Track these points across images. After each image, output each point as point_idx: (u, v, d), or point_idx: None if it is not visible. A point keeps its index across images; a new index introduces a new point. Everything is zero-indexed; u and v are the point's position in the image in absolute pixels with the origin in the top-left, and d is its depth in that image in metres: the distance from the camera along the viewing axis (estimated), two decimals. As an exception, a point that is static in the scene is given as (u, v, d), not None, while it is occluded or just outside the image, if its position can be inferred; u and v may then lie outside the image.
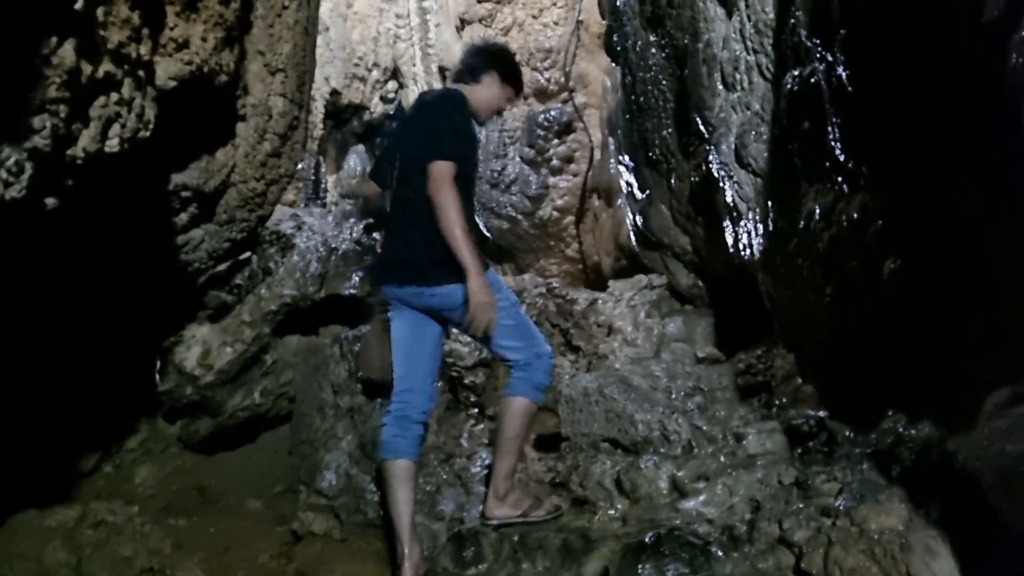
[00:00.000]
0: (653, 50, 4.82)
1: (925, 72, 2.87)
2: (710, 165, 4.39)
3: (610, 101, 7.11)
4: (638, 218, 5.34)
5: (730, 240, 4.50)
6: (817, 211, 3.62)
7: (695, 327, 5.24)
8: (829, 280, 3.67)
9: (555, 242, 8.05)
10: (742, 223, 4.26)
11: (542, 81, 8.11)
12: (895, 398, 3.43)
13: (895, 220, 3.25)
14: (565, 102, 8.03)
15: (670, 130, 4.82)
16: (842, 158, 3.42)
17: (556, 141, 7.87)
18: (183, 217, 3.31)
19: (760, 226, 4.07)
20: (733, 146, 4.06)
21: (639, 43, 4.92)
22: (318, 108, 8.17)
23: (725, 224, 4.49)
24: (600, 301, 5.76)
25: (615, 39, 5.11)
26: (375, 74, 9.10)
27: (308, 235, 4.75)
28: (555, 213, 7.90)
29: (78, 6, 1.94)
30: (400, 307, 3.21)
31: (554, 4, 8.07)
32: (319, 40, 8.40)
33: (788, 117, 3.72)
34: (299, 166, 5.29)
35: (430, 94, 3.45)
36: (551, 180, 7.92)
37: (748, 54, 3.93)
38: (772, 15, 3.78)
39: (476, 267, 2.99)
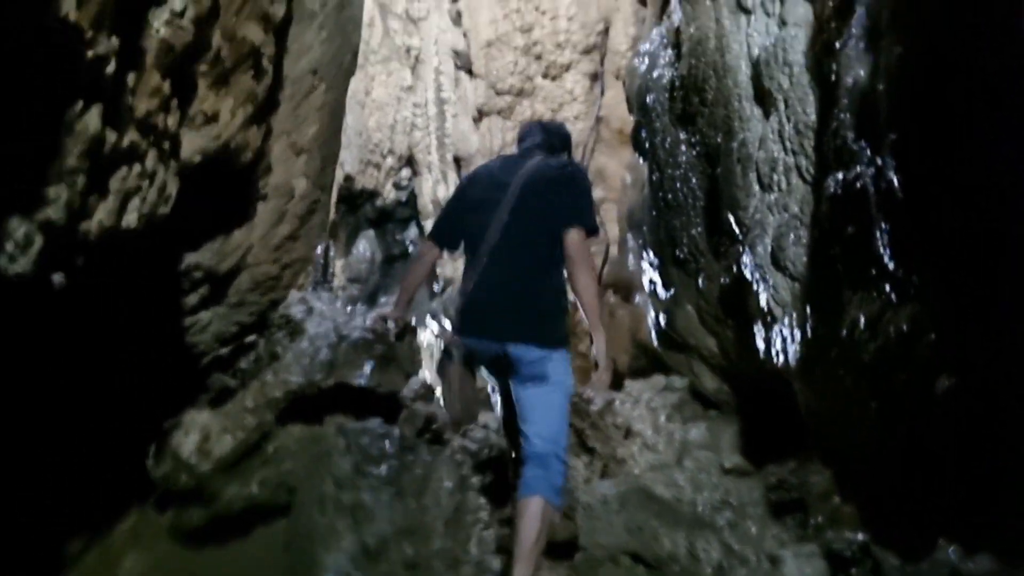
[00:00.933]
0: (683, 147, 4.76)
1: (980, 180, 2.76)
2: (743, 266, 4.25)
3: (630, 196, 7.05)
4: (661, 317, 5.18)
5: (762, 345, 4.32)
6: (862, 320, 3.45)
7: (720, 434, 5.02)
8: (875, 394, 3.47)
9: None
10: (776, 328, 4.09)
11: None
12: (949, 525, 3.19)
13: (949, 333, 3.08)
14: (582, 196, 7.98)
15: (699, 229, 4.71)
16: (891, 265, 3.28)
17: (572, 234, 7.77)
18: (192, 298, 3.15)
19: (797, 332, 3.90)
20: (769, 248, 3.93)
21: (668, 140, 4.86)
22: (332, 192, 8.12)
23: (757, 328, 4.33)
24: (618, 401, 5.54)
25: (643, 135, 5.06)
26: (390, 161, 9.11)
27: (319, 321, 4.58)
28: (569, 307, 7.73)
29: (109, 70, 1.82)
30: (478, 358, 3.19)
31: (574, 99, 8.12)
32: (337, 124, 8.48)
33: (830, 221, 3.61)
34: (317, 251, 5.17)
35: (553, 162, 3.40)
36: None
37: (787, 155, 3.84)
38: (813, 116, 3.71)
39: (603, 331, 3.19)
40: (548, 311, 3.19)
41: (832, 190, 3.55)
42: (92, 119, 1.90)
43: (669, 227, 4.94)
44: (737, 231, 4.23)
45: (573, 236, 3.10)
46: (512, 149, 3.82)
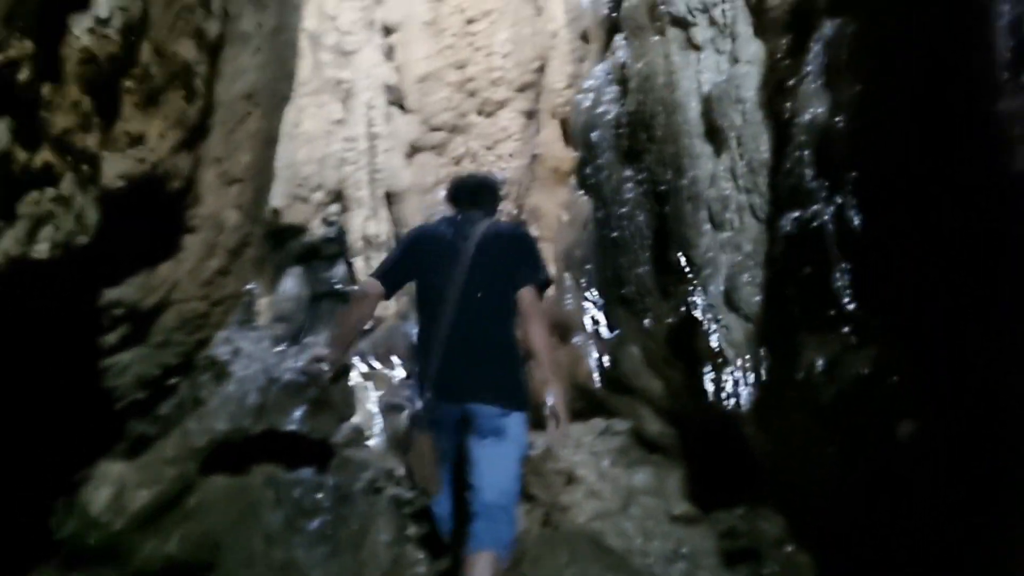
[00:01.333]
0: (630, 184, 4.67)
1: (953, 216, 2.71)
2: (693, 306, 4.16)
3: (567, 235, 6.96)
4: (605, 358, 5.05)
5: (712, 387, 4.22)
6: (820, 362, 3.38)
7: (665, 479, 4.87)
8: (833, 438, 3.39)
9: (501, 378, 7.67)
10: (728, 370, 4.00)
11: None
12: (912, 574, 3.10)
13: (912, 377, 3.02)
14: (517, 234, 7.86)
15: (647, 267, 4.61)
16: (851, 307, 3.21)
17: (507, 273, 7.63)
18: (111, 337, 2.86)
19: (751, 374, 3.81)
20: (722, 288, 3.84)
21: (614, 176, 4.78)
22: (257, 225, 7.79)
23: (707, 370, 4.22)
24: (560, 447, 5.36)
25: (588, 171, 4.97)
26: (319, 195, 8.84)
27: (246, 362, 4.29)
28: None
29: (22, 77, 1.58)
30: (440, 422, 3.12)
31: (509, 136, 8.04)
32: (264, 157, 8.18)
33: (785, 260, 3.54)
34: (248, 287, 4.87)
35: (503, 226, 3.45)
36: (499, 314, 7.63)
37: (739, 193, 3.78)
38: (767, 154, 3.66)
39: (561, 383, 3.25)
40: (510, 373, 3.18)
41: (787, 229, 3.49)
42: (0, 133, 1.65)
43: (615, 266, 4.83)
44: (688, 270, 4.14)
45: (527, 295, 3.13)
46: (443, 207, 3.77)
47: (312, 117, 8.70)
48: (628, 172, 4.68)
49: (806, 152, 3.37)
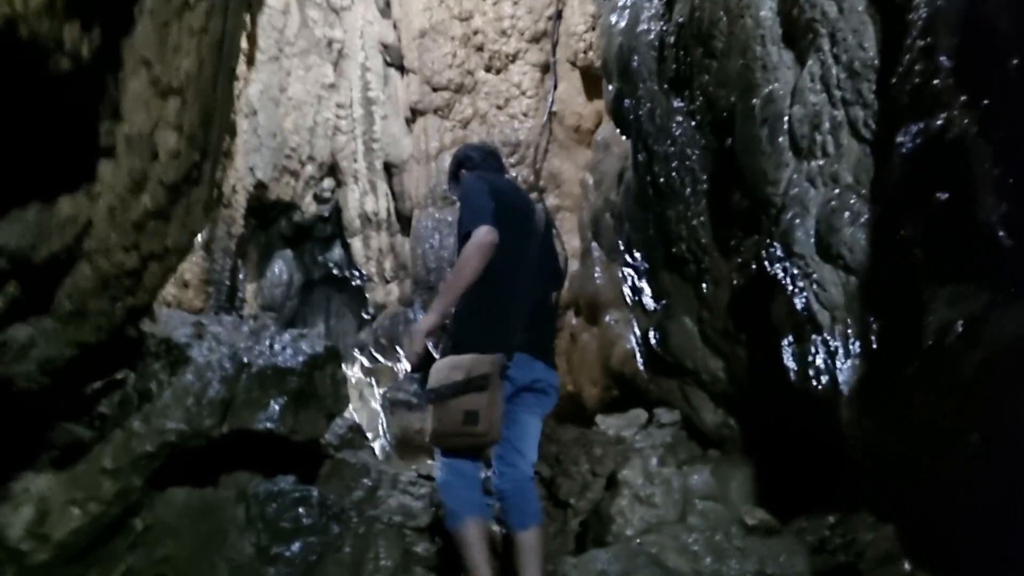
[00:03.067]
0: (679, 118, 3.86)
1: None
2: (769, 262, 3.35)
3: (592, 201, 6.16)
4: (651, 335, 4.24)
5: (793, 364, 3.41)
6: (958, 325, 2.56)
7: (728, 480, 4.08)
8: (974, 424, 2.58)
9: (520, 367, 6.89)
10: (819, 340, 3.18)
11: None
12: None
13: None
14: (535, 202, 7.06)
15: (702, 219, 3.81)
16: (1008, 242, 2.40)
17: (523, 248, 6.83)
18: (-7, 303, 2.07)
19: (854, 344, 2.99)
20: (813, 232, 3.03)
21: (658, 110, 3.96)
22: (239, 202, 7.04)
23: (787, 342, 3.41)
24: (596, 443, 4.56)
25: (625, 106, 4.15)
26: (309, 169, 8.07)
27: (210, 346, 3.49)
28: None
29: None
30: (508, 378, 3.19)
31: (522, 93, 7.25)
32: (244, 124, 7.40)
33: (904, 189, 2.72)
34: (199, 238, 4.08)
35: (547, 213, 3.69)
36: (516, 294, 6.84)
37: (834, 107, 2.96)
38: (873, 51, 2.83)
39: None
40: (553, 342, 3.46)
41: (908, 146, 2.67)
42: None
43: (660, 220, 4.02)
44: (761, 215, 3.32)
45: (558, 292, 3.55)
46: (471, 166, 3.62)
47: (300, 81, 7.93)
48: (676, 103, 3.87)
49: (934, 40, 2.56)
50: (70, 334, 2.42)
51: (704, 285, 3.88)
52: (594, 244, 5.95)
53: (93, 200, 2.25)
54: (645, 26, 4.01)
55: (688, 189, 3.84)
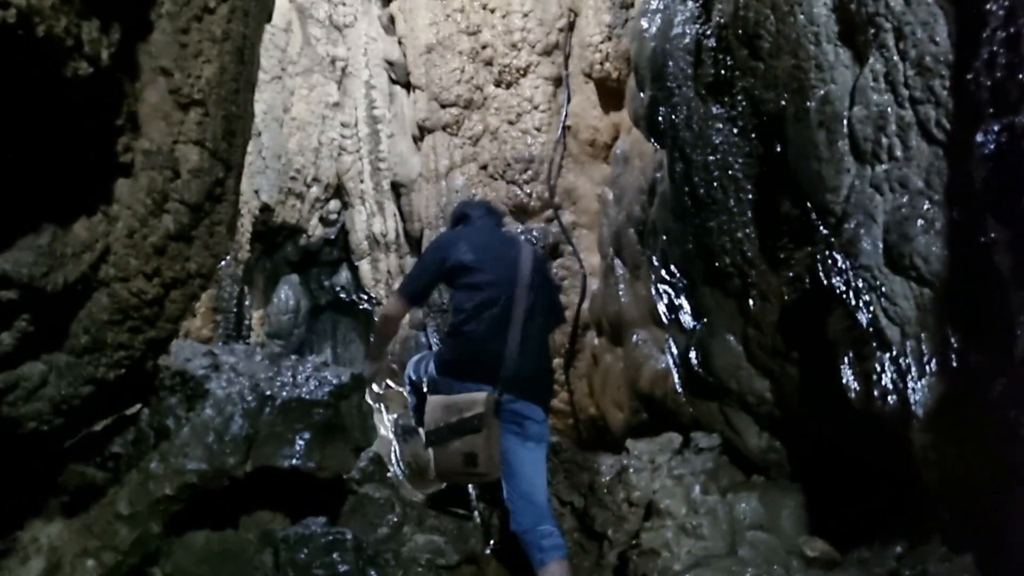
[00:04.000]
0: (719, 125, 3.67)
1: None
2: (827, 274, 3.15)
3: (613, 217, 5.97)
4: (690, 354, 4.02)
5: (857, 384, 3.20)
6: (1056, 334, 2.36)
7: (778, 509, 3.86)
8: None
9: (539, 390, 6.65)
10: (885, 358, 2.97)
11: (521, 196, 6.99)
12: None
13: None
14: (549, 221, 6.88)
15: (748, 231, 3.61)
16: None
17: (539, 267, 6.62)
18: (3, 339, 1.86)
19: (930, 361, 2.78)
20: (881, 242, 2.83)
21: (695, 118, 3.78)
22: (245, 226, 6.83)
23: (847, 360, 3.21)
24: (632, 470, 4.34)
25: (660, 114, 3.96)
26: (315, 191, 7.88)
27: (229, 378, 3.28)
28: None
29: None
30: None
31: (535, 108, 7.06)
32: (248, 146, 7.21)
33: (987, 191, 2.53)
34: (223, 264, 3.89)
35: (539, 253, 4.25)
36: (533, 314, 6.62)
37: (902, 107, 2.77)
38: (946, 45, 2.64)
39: None
40: (550, 380, 3.93)
41: (990, 147, 2.48)
42: None
43: (701, 232, 3.82)
44: (819, 224, 3.13)
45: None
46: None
47: (304, 100, 7.75)
48: (715, 108, 3.68)
49: (1019, 29, 2.37)
50: (86, 370, 2.20)
51: (750, 300, 3.67)
52: (617, 261, 5.75)
53: (110, 222, 2.04)
54: (680, 30, 3.83)
55: (731, 199, 3.65)
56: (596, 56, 6.34)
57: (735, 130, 3.60)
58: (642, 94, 4.23)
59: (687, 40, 3.79)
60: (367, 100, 8.06)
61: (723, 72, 3.58)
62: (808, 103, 3.08)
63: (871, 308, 2.93)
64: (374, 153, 8.07)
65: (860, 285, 2.95)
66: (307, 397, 3.29)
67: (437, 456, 3.40)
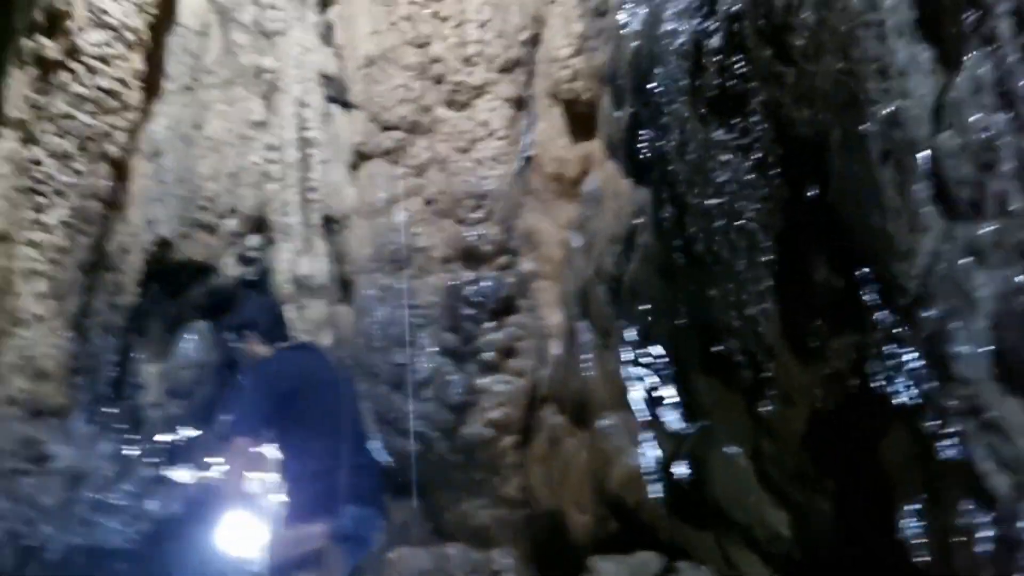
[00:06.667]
0: (726, 156, 2.74)
1: None
2: (880, 376, 2.20)
3: (580, 268, 5.06)
4: (681, 468, 3.05)
5: (922, 537, 2.24)
6: None
7: None
8: None
9: (485, 475, 6.10)
10: (981, 515, 2.00)
11: (471, 239, 6.26)
12: None
13: None
14: (504, 268, 6.01)
15: (765, 304, 2.66)
16: None
17: (490, 325, 6.20)
18: None
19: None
20: (985, 344, 1.87)
21: (692, 142, 2.85)
22: (132, 264, 5.81)
23: (912, 505, 2.24)
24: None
25: (643, 139, 3.02)
26: (231, 223, 6.92)
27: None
28: (487, 431, 6.08)
29: None
30: None
31: (491, 134, 6.32)
32: (143, 168, 6.24)
33: None
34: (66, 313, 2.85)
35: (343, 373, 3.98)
36: (482, 381, 6.17)
37: (1018, 135, 1.83)
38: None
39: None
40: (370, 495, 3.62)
41: None
42: None
43: (697, 302, 2.91)
44: (879, 305, 2.18)
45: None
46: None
47: (221, 117, 6.78)
48: (721, 133, 2.75)
49: None
50: None
51: (767, 403, 2.71)
52: (582, 324, 4.82)
53: None
54: (672, 25, 2.91)
55: (742, 259, 2.75)
56: (564, 73, 5.55)
57: (748, 163, 2.68)
58: (619, 113, 3.30)
59: (682, 39, 2.87)
60: (297, 120, 7.23)
61: (734, 80, 2.67)
62: (863, 125, 2.15)
63: (965, 440, 1.97)
64: (304, 181, 7.30)
65: (951, 404, 1.98)
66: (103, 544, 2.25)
67: None
